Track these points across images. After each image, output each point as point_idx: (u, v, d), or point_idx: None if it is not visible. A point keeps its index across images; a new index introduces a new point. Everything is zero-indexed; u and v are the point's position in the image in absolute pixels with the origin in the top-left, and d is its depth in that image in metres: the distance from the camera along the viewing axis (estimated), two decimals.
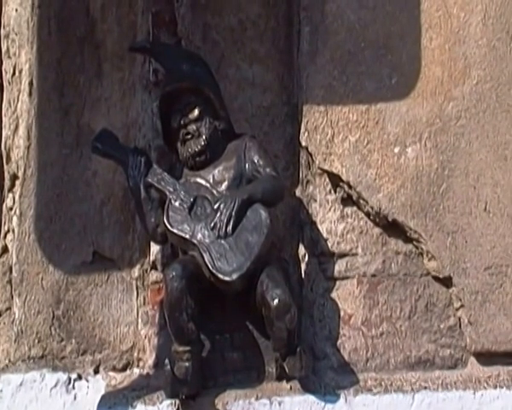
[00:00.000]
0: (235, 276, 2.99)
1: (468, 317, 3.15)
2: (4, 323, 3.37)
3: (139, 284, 3.34)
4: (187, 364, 3.01)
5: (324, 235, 3.22)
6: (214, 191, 3.10)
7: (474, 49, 3.21)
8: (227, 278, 2.99)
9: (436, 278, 3.20)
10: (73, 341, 3.32)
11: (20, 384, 3.22)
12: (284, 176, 3.27)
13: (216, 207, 3.06)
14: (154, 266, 3.29)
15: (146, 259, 3.33)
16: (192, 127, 3.14)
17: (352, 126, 3.21)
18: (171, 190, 3.11)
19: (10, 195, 3.40)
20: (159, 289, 3.24)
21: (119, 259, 3.36)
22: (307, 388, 3.08)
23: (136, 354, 3.31)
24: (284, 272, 3.16)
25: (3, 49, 3.42)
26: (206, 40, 3.34)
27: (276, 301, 2.97)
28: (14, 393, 3.21)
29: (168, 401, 3.06)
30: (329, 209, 3.24)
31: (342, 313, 3.19)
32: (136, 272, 3.35)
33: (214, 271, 3.00)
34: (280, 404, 3.05)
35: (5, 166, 3.42)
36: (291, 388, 3.08)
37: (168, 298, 2.99)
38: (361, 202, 3.21)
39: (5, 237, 3.41)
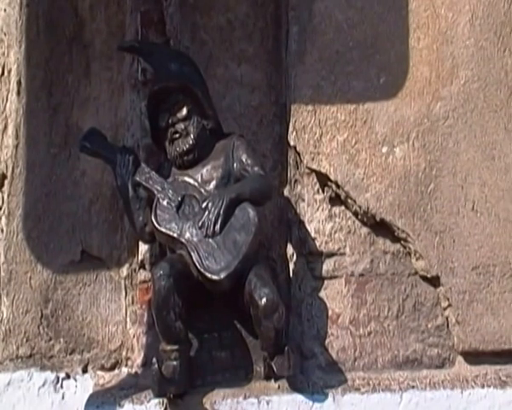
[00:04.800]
0: (223, 275, 2.99)
1: (455, 316, 3.16)
2: None
3: (127, 284, 3.35)
4: (175, 363, 3.02)
5: (312, 234, 3.23)
6: (202, 190, 3.11)
7: (461, 50, 3.21)
8: (215, 277, 2.99)
9: (424, 278, 3.20)
10: (62, 340, 3.32)
11: (8, 384, 3.22)
12: (272, 175, 3.27)
13: (204, 205, 3.06)
14: (142, 266, 3.29)
15: (134, 258, 3.33)
16: (180, 126, 3.15)
17: (340, 126, 3.22)
18: (159, 188, 3.11)
19: None
20: (147, 289, 3.24)
21: (107, 258, 3.36)
22: (295, 387, 3.08)
23: (124, 354, 3.31)
24: (272, 271, 3.17)
25: None
26: (194, 40, 3.34)
27: (263, 300, 2.97)
28: (1, 392, 3.21)
29: (156, 401, 3.06)
30: (317, 209, 3.24)
31: (330, 313, 3.20)
32: (124, 271, 3.35)
33: (202, 270, 3.00)
34: (268, 403, 3.05)
35: None
36: (279, 387, 3.08)
37: (156, 297, 2.99)
38: (349, 201, 3.21)
39: None
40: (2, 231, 3.36)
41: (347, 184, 3.20)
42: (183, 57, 3.22)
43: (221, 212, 3.03)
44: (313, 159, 3.22)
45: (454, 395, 3.08)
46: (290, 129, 3.24)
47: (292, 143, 3.25)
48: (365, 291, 3.20)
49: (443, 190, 3.19)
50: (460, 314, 3.15)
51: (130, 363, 3.29)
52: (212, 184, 3.12)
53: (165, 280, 2.98)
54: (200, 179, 3.13)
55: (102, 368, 3.30)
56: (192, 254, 3.01)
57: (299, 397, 3.06)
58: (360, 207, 3.20)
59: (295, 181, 3.27)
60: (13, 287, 3.32)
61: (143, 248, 3.28)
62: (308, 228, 3.23)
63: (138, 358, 3.26)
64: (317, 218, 3.24)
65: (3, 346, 3.30)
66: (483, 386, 3.10)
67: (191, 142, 3.14)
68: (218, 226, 3.03)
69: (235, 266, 2.99)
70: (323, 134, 3.22)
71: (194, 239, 3.03)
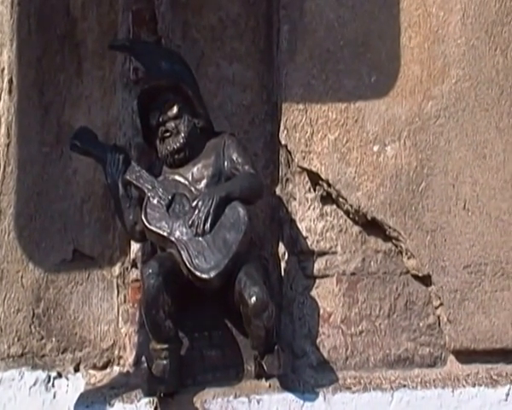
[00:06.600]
0: (212, 273, 2.99)
1: (447, 315, 3.15)
2: None
3: (120, 282, 3.34)
4: (165, 362, 3.01)
5: (304, 233, 3.22)
6: (193, 189, 3.11)
7: (453, 48, 3.21)
8: (205, 276, 2.99)
9: (415, 277, 3.20)
10: (53, 339, 3.32)
11: None
12: (264, 174, 3.27)
13: (194, 204, 3.06)
14: (134, 265, 3.29)
15: (126, 257, 3.33)
16: (171, 125, 3.15)
17: (331, 125, 3.21)
18: (150, 187, 3.11)
19: None
20: (139, 287, 3.22)
21: (99, 257, 3.36)
22: (286, 386, 3.08)
23: (116, 352, 3.31)
24: (264, 270, 3.16)
25: None
26: (186, 38, 3.34)
27: (253, 299, 2.97)
28: None
29: (146, 400, 3.05)
30: (309, 207, 3.24)
31: (322, 311, 3.19)
32: (116, 270, 3.35)
33: (192, 268, 3.00)
34: (258, 402, 3.05)
35: None
36: (270, 386, 3.07)
37: (145, 296, 2.99)
38: (340, 200, 3.21)
39: None
40: None
41: (339, 182, 3.19)
42: (175, 56, 3.22)
43: (211, 210, 3.03)
44: (304, 158, 3.22)
45: (445, 394, 3.08)
46: (281, 128, 3.24)
47: (283, 142, 3.25)
48: (357, 290, 3.20)
49: (434, 188, 3.18)
50: (451, 313, 3.14)
51: (122, 362, 3.29)
52: (203, 183, 3.11)
53: (154, 279, 2.97)
54: (190, 178, 3.12)
55: (94, 367, 3.30)
56: (182, 252, 3.01)
57: (290, 396, 3.06)
58: (351, 205, 3.20)
59: (287, 180, 3.27)
60: (4, 286, 3.32)
61: (135, 246, 3.28)
62: (300, 227, 3.23)
63: (130, 357, 3.25)
64: (309, 216, 3.23)
65: None
66: (474, 385, 3.10)
67: (182, 140, 3.14)
68: (207, 225, 3.02)
69: (224, 265, 2.99)
70: (315, 133, 3.22)
71: (184, 238, 3.03)
